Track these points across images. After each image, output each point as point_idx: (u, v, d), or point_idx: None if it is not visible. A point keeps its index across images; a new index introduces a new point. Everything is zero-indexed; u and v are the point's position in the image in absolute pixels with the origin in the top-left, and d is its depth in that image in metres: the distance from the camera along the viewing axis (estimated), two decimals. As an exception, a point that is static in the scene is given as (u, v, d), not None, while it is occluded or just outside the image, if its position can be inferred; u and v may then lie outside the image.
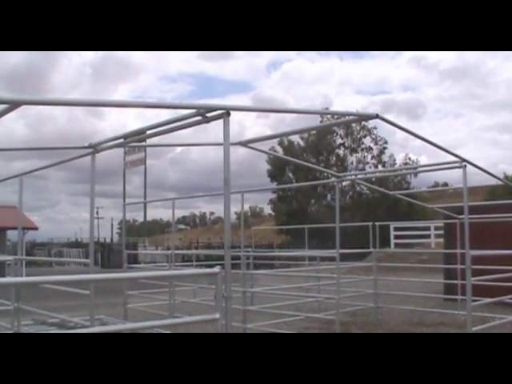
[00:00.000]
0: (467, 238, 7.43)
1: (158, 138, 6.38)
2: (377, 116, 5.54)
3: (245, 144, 7.21)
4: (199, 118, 4.72)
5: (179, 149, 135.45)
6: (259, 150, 8.65)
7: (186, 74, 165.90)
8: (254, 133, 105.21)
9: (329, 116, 40.07)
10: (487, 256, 10.76)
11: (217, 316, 4.26)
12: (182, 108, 4.84)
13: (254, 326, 10.26)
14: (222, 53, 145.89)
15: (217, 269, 4.16)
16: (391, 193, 12.20)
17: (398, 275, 18.79)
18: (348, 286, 13.52)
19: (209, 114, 4.59)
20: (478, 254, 8.32)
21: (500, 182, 12.48)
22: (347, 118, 6.96)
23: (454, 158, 7.66)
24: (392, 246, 29.48)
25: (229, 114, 4.36)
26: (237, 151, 7.39)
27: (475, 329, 7.70)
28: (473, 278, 7.57)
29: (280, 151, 52.23)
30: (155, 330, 6.15)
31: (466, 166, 7.51)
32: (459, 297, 11.71)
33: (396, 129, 6.44)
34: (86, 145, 6.55)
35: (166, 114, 5.60)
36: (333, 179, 10.12)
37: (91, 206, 6.95)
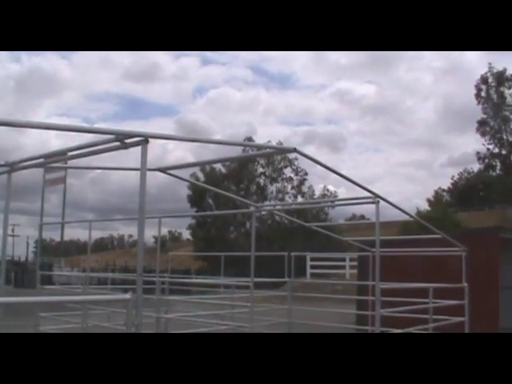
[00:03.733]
0: (377, 271, 7.67)
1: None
2: (294, 150, 5.67)
3: (164, 170, 7.21)
4: (118, 143, 4.73)
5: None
6: (179, 178, 8.61)
7: (113, 94, 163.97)
8: (176, 156, 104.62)
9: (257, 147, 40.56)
10: (398, 288, 11.12)
11: (127, 343, 4.22)
12: (101, 133, 4.82)
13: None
14: (148, 75, 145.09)
15: (128, 295, 4.14)
16: (307, 224, 12.40)
17: (312, 305, 19.01)
18: (263, 314, 13.56)
19: (127, 141, 4.60)
20: (387, 287, 8.60)
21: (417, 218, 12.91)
22: (266, 150, 7.09)
23: (369, 193, 7.91)
24: (308, 275, 29.90)
25: (147, 142, 4.38)
26: (158, 175, 7.36)
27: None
28: (382, 310, 7.81)
29: (201, 177, 52.37)
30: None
31: (379, 201, 7.76)
32: (370, 327, 11.96)
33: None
34: (3, 162, 6.38)
35: (88, 135, 5.59)
36: (251, 208, 10.20)
37: (4, 226, 6.76)
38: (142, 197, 4.33)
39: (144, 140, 4.36)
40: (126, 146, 4.64)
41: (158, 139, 4.81)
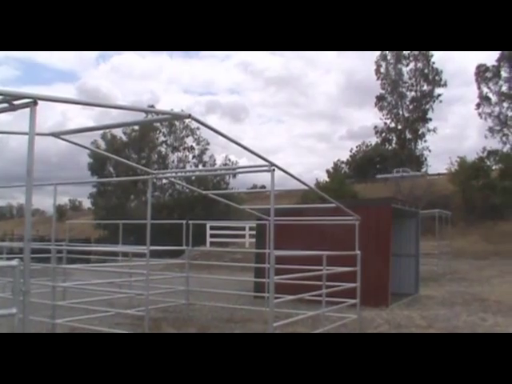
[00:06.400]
0: (272, 239, 7.82)
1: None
2: (189, 116, 5.69)
3: (58, 135, 7.00)
4: (6, 105, 4.56)
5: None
6: (76, 144, 8.36)
7: (13, 57, 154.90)
8: (77, 124, 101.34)
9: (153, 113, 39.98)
10: (294, 256, 11.40)
11: (13, 311, 4.11)
12: (-13, 94, 4.63)
13: (64, 322, 9.98)
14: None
15: (14, 262, 4.02)
16: (204, 192, 12.40)
17: (212, 273, 19.22)
18: (162, 282, 13.59)
19: (16, 102, 4.44)
20: (281, 254, 8.79)
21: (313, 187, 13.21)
22: (162, 115, 7.06)
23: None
24: (208, 244, 30.07)
25: (36, 104, 4.24)
26: (58, 142, 7.16)
27: (276, 324, 8.14)
28: (276, 277, 7.99)
29: (102, 145, 51.24)
30: None
31: (274, 169, 7.89)
32: (267, 294, 12.22)
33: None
34: None
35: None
36: (151, 176, 10.10)
37: None
38: (30, 161, 4.19)
39: (32, 102, 4.23)
40: (14, 108, 4.48)
41: (55, 102, 4.68)
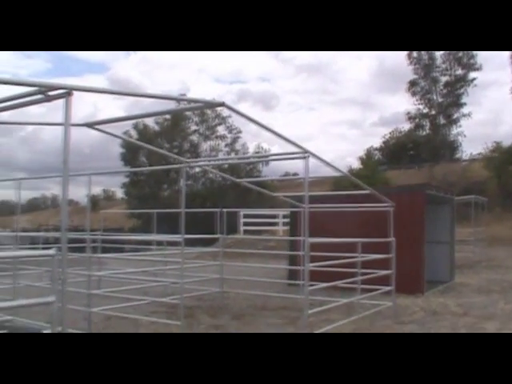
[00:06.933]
0: (307, 226, 7.80)
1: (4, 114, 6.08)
2: (223, 104, 5.67)
3: (91, 125, 7.05)
4: (41, 96, 4.60)
5: (30, 128, 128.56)
6: (110, 134, 8.42)
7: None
8: (108, 114, 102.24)
9: (185, 102, 40.12)
10: (328, 243, 11.35)
11: (52, 299, 4.17)
12: (24, 85, 4.67)
13: (99, 311, 10.10)
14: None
15: (52, 251, 4.06)
16: (238, 180, 12.41)
17: (245, 261, 19.26)
18: (195, 271, 13.67)
19: (51, 93, 4.48)
20: (316, 242, 8.76)
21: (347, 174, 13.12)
22: (195, 104, 7.07)
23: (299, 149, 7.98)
24: (241, 232, 30.13)
25: (70, 94, 4.27)
26: (90, 133, 7.23)
27: (311, 311, 8.14)
28: (311, 264, 7.97)
29: (134, 135, 51.57)
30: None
31: (308, 156, 7.85)
32: (301, 282, 12.20)
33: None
34: None
35: (17, 90, 5.38)
36: (184, 164, 10.13)
37: None
38: (66, 151, 4.24)
39: (67, 92, 4.26)
40: (49, 99, 4.53)
41: (85, 93, 4.71)
